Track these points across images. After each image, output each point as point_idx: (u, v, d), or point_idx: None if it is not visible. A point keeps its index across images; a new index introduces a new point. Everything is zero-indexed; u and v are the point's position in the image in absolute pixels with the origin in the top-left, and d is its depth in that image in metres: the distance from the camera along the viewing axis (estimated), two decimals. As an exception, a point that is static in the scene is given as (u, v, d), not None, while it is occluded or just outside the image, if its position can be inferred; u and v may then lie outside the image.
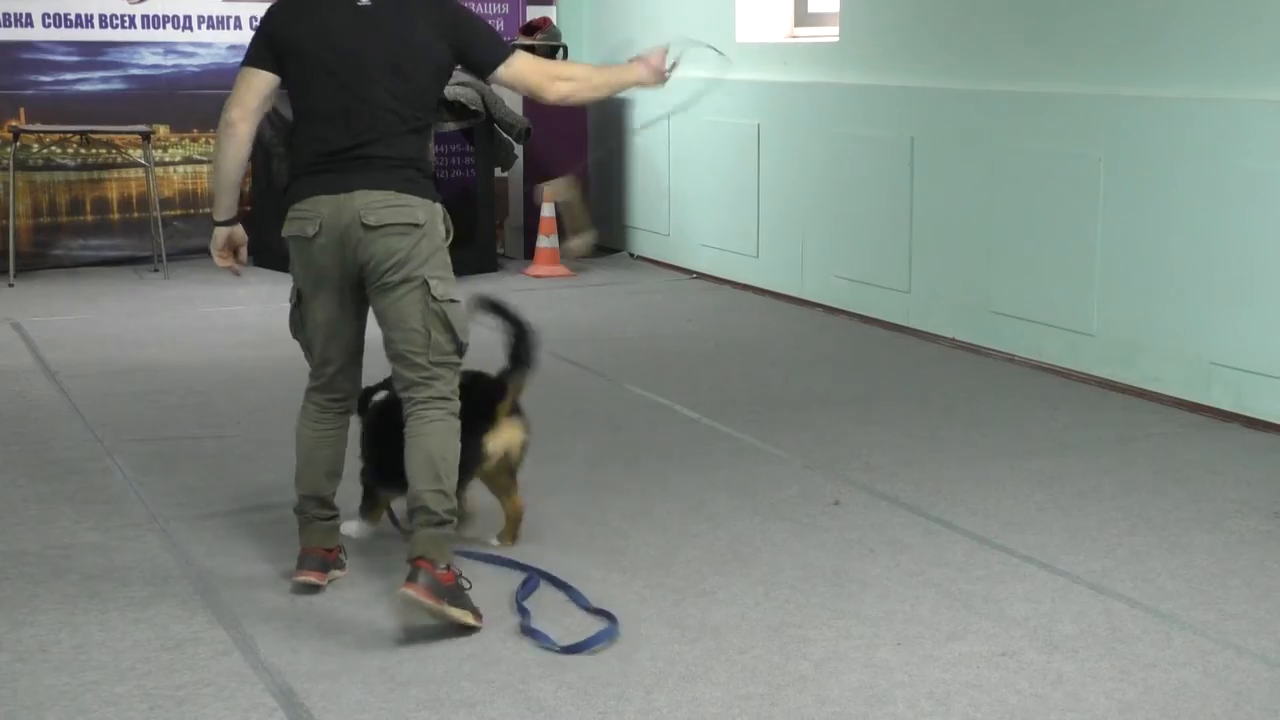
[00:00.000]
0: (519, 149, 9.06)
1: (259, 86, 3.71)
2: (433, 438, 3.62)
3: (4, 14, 8.57)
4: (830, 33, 7.83)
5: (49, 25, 8.68)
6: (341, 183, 3.63)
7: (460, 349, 3.70)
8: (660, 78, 3.91)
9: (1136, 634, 3.57)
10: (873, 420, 5.56)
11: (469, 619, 3.51)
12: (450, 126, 8.51)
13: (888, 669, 3.37)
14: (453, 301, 3.68)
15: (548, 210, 8.83)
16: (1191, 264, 5.65)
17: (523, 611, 3.65)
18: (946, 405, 5.80)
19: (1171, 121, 5.71)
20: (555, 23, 9.67)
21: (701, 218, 8.69)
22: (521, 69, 3.75)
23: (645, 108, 8.83)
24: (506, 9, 9.57)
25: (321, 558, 3.84)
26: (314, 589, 3.80)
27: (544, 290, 8.31)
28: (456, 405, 3.70)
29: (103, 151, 8.89)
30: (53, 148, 8.78)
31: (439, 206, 3.72)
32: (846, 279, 7.57)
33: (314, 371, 3.88)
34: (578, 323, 7.45)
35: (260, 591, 3.83)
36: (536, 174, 9.09)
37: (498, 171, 9.18)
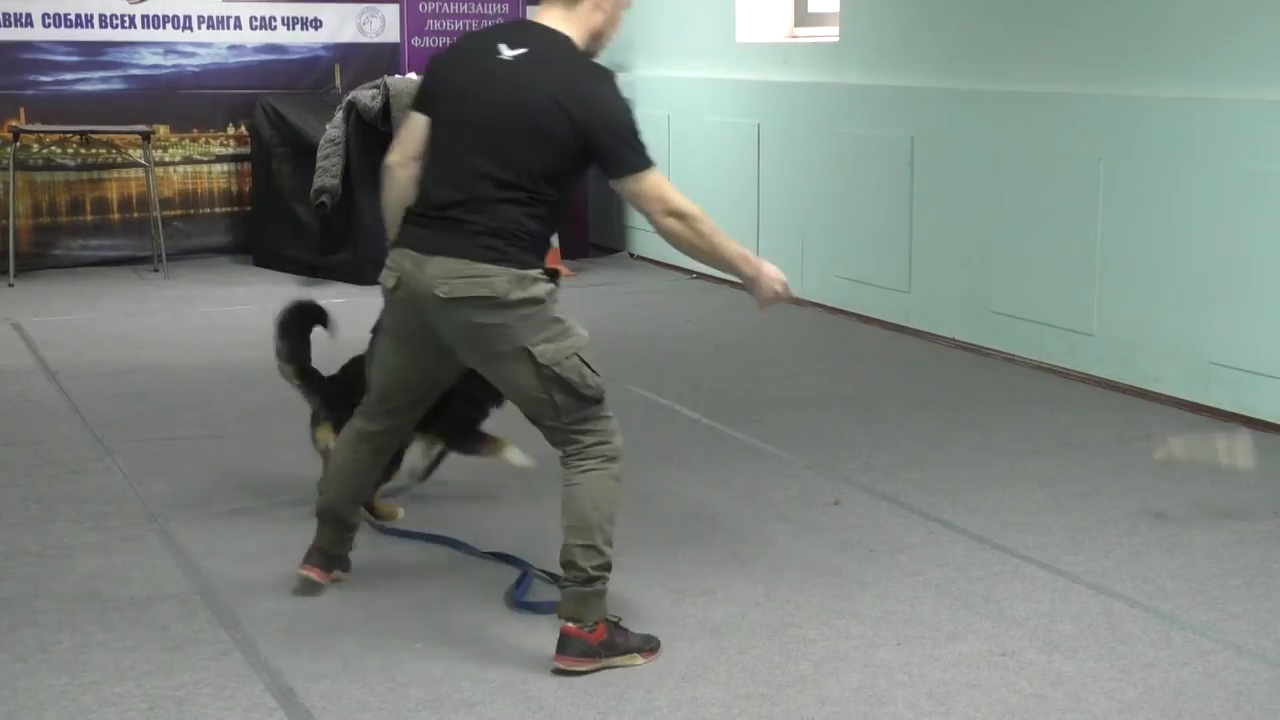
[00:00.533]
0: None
1: (415, 129, 3.57)
2: (584, 489, 3.41)
3: (4, 14, 8.57)
4: (830, 33, 7.83)
5: (49, 25, 8.68)
6: (426, 242, 3.43)
7: (591, 398, 3.45)
8: (772, 295, 3.58)
9: (1136, 634, 3.57)
10: (873, 420, 5.56)
11: (635, 661, 3.40)
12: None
13: (888, 669, 3.37)
14: (569, 358, 3.41)
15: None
16: (1191, 264, 5.65)
17: (520, 606, 3.70)
18: (946, 405, 5.80)
19: (1171, 121, 5.71)
20: (555, 23, 9.65)
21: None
22: (645, 191, 3.40)
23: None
24: (506, 9, 9.56)
25: (329, 555, 3.83)
26: (314, 588, 3.79)
27: (544, 290, 8.29)
28: (613, 448, 3.47)
29: (103, 151, 8.88)
30: (53, 148, 8.78)
31: (533, 272, 3.39)
32: (846, 279, 7.57)
33: (366, 397, 3.73)
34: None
35: (260, 591, 3.83)
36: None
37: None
